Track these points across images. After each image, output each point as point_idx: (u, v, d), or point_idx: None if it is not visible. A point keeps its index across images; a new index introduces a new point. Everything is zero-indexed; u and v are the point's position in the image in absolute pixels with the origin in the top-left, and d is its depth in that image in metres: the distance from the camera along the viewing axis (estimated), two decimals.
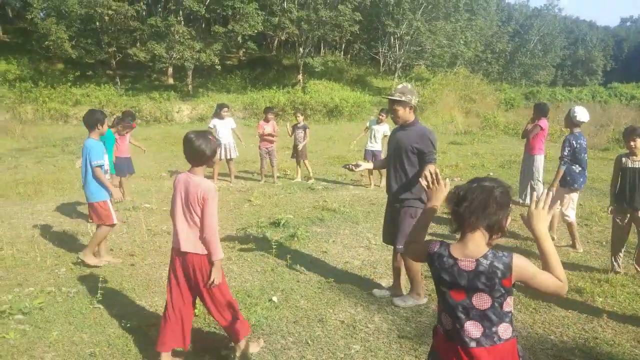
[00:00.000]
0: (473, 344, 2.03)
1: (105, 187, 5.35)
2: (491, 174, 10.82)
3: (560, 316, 4.36)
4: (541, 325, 4.20)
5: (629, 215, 5.14)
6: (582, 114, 5.93)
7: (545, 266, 2.02)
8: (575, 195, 6.09)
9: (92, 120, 5.29)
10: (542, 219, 2.03)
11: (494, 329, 2.02)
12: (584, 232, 6.76)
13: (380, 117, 9.74)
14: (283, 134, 11.29)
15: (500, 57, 48.54)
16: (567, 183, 5.97)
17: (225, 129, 9.87)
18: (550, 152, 13.18)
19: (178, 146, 15.74)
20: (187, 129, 20.37)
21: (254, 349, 3.69)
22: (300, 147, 10.06)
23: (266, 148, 10.08)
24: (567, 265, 5.56)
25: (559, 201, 5.89)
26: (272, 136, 10.02)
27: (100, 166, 5.29)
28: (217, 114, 10.09)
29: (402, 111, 4.35)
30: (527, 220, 2.05)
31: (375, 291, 4.80)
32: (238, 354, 3.57)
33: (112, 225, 5.54)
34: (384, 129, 9.58)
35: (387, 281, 5.11)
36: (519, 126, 18.22)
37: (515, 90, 42.69)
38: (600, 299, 4.65)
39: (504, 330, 2.05)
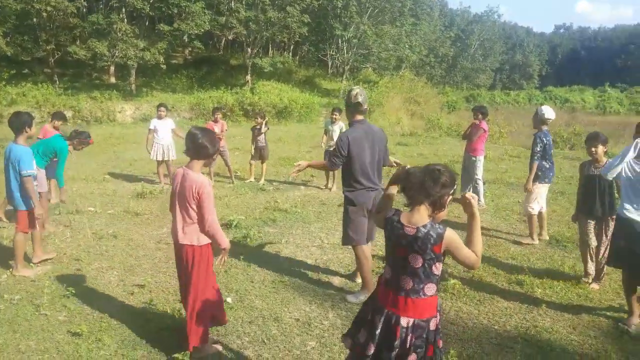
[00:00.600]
0: (402, 294, 2.47)
1: (30, 199, 5.06)
2: None
3: (503, 307, 4.60)
4: (485, 316, 4.42)
5: (592, 221, 5.02)
6: (549, 112, 6.33)
7: (469, 242, 2.43)
8: (544, 189, 6.40)
9: (19, 122, 4.99)
10: (474, 204, 2.44)
11: (421, 286, 2.44)
12: (522, 228, 7.12)
13: (334, 116, 9.84)
14: (241, 134, 11.19)
15: (443, 61, 50.13)
16: (538, 178, 6.28)
17: (164, 129, 9.69)
18: (490, 153, 13.80)
19: (121, 146, 15.35)
20: (130, 129, 19.94)
21: (214, 351, 3.69)
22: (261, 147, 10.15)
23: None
24: (509, 259, 5.88)
25: (540, 199, 6.32)
26: (220, 139, 9.92)
27: (31, 175, 4.99)
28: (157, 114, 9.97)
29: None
30: (464, 203, 2.44)
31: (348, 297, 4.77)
32: (200, 355, 3.56)
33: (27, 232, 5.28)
34: (340, 126, 9.69)
35: (339, 279, 5.21)
36: (461, 128, 18.89)
37: (457, 93, 44.36)
38: (540, 290, 4.95)
39: (429, 288, 2.46)
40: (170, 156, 9.78)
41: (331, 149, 9.48)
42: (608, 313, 4.50)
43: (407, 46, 34.25)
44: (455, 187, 2.47)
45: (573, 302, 4.74)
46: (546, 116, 6.26)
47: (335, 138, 9.58)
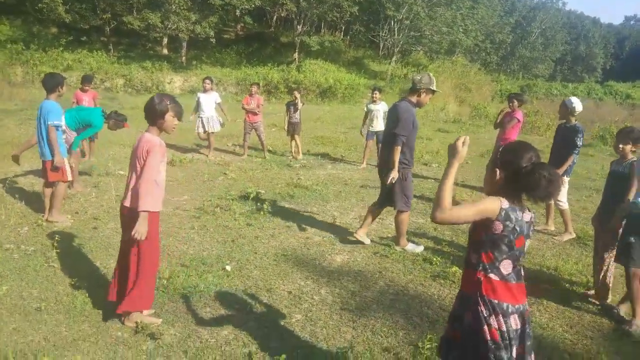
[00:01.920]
0: (522, 281, 2.38)
1: (52, 149, 5.40)
2: (469, 162, 10.91)
3: None
4: None
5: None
6: (579, 104, 6.16)
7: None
8: (566, 182, 6.24)
9: (53, 83, 5.42)
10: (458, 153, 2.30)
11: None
12: (542, 220, 6.86)
13: (374, 95, 9.79)
14: (282, 111, 11.27)
15: (500, 48, 48.32)
16: (566, 172, 6.10)
17: (208, 102, 9.89)
18: (534, 144, 13.28)
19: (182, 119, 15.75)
20: (177, 99, 20.46)
21: (149, 321, 3.63)
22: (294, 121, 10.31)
23: (251, 123, 10.10)
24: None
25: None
26: (255, 113, 10.06)
27: (57, 127, 5.39)
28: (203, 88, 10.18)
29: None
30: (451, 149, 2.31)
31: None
32: (132, 324, 3.58)
33: (67, 181, 5.72)
34: (383, 107, 9.67)
35: (342, 257, 5.22)
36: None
37: (512, 82, 42.70)
38: (545, 286, 4.78)
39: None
40: (212, 128, 9.99)
41: (376, 129, 9.50)
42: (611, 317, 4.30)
43: (461, 30, 33.17)
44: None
45: (577, 300, 4.55)
46: (577, 109, 6.04)
47: (379, 118, 9.52)
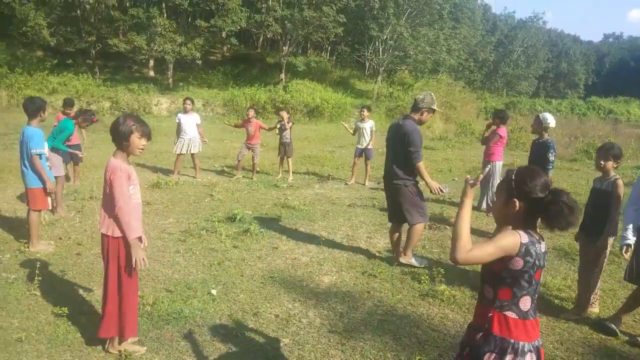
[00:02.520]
0: (537, 315, 2.28)
1: (40, 177, 5.35)
2: (456, 179, 10.97)
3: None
4: None
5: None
6: (552, 120, 6.31)
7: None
8: None
9: (33, 108, 5.31)
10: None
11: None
12: None
13: (362, 113, 9.93)
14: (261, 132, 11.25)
15: (483, 66, 49.15)
16: None
17: (189, 123, 9.85)
18: (519, 161, 13.43)
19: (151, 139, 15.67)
20: (164, 122, 20.35)
21: (132, 349, 3.54)
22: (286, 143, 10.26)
23: (249, 144, 10.15)
24: None
25: None
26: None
27: (40, 155, 5.30)
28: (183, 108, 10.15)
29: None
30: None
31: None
32: (115, 351, 3.51)
33: (40, 210, 5.61)
34: (370, 124, 9.91)
35: (330, 278, 5.17)
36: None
37: (497, 99, 43.32)
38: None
39: None
40: (194, 149, 9.94)
41: (364, 146, 9.62)
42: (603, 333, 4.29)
43: (444, 49, 33.69)
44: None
45: (568, 316, 4.53)
46: (550, 124, 6.25)
47: (366, 136, 9.70)
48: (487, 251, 2.11)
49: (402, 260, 5.52)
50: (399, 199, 5.40)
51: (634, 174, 12.09)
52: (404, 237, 5.66)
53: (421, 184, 5.53)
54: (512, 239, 2.13)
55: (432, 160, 13.95)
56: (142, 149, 3.41)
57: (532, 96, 55.14)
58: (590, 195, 4.64)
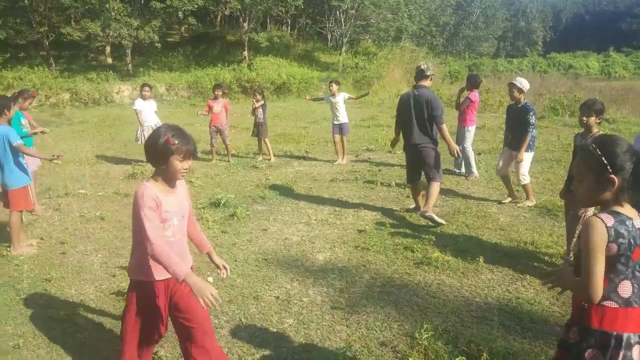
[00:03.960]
0: None
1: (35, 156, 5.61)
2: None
3: (487, 279, 4.56)
4: (468, 289, 4.38)
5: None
6: (526, 83, 6.49)
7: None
8: (530, 157, 6.58)
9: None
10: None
11: None
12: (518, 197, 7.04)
13: (331, 87, 9.71)
14: (238, 112, 11.06)
15: (444, 30, 49.28)
16: (529, 147, 6.43)
17: (149, 110, 9.56)
18: (489, 122, 13.63)
19: (116, 128, 15.26)
20: (127, 110, 19.79)
21: None
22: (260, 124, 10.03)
23: (215, 126, 9.89)
24: (497, 229, 5.81)
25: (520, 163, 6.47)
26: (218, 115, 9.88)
27: (21, 143, 5.17)
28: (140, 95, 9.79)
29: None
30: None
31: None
32: None
33: (21, 211, 5.43)
34: (342, 97, 9.65)
35: (324, 255, 5.18)
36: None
37: (459, 62, 43.62)
38: (525, 261, 4.89)
39: None
40: None
41: (340, 122, 9.45)
42: None
43: (406, 15, 33.59)
44: None
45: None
46: (526, 88, 6.40)
47: (341, 109, 9.47)
48: (600, 269, 1.90)
49: (428, 213, 5.88)
50: (427, 159, 6.00)
51: (603, 128, 12.40)
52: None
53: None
54: (595, 232, 1.91)
55: None
56: (185, 173, 2.67)
57: (493, 57, 55.81)
58: (574, 153, 4.72)
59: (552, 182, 7.88)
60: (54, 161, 5.59)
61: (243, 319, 3.90)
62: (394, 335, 3.65)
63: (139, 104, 9.59)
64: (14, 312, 4.06)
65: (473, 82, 8.13)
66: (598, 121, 4.60)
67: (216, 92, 9.98)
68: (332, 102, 9.63)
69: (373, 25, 32.27)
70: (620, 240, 1.92)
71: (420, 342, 3.42)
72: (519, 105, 6.40)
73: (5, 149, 5.09)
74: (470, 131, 8.11)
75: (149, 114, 9.51)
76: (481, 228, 5.90)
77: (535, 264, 4.87)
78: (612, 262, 1.95)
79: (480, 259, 4.93)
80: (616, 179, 1.94)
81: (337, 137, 9.69)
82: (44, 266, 4.96)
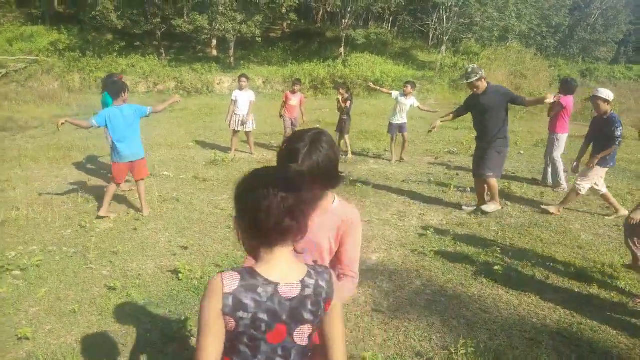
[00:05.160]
0: None
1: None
2: (521, 152, 10.40)
3: (550, 299, 4.18)
4: (526, 307, 4.05)
5: None
6: (611, 94, 6.00)
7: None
8: (603, 173, 6.18)
9: (116, 89, 5.94)
10: None
11: None
12: (601, 217, 6.39)
13: (406, 89, 9.54)
14: (328, 107, 11.19)
15: (557, 31, 45.95)
16: (606, 162, 6.02)
17: (243, 100, 9.90)
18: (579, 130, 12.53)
19: (212, 117, 16.03)
20: (225, 100, 20.62)
21: None
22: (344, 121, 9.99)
23: (290, 118, 10.10)
24: (575, 247, 5.32)
25: (600, 181, 6.16)
26: (294, 108, 10.05)
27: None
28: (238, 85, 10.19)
29: (481, 84, 6.14)
30: None
31: (464, 207, 6.62)
32: None
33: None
34: (412, 101, 9.47)
35: (378, 255, 5.05)
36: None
37: (572, 67, 40.63)
38: (599, 285, 4.42)
39: None
40: (248, 127, 10.02)
41: (399, 122, 9.27)
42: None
43: (514, 15, 31.79)
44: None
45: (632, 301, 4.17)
46: (611, 98, 5.91)
47: (404, 111, 9.35)
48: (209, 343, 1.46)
49: (493, 206, 6.31)
50: (495, 155, 6.18)
51: None
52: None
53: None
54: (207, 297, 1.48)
55: None
56: None
57: (611, 62, 51.16)
58: None
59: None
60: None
61: None
62: (432, 347, 3.47)
63: (236, 93, 10.01)
64: (79, 279, 4.40)
65: (567, 87, 7.50)
66: None
67: (295, 87, 10.21)
68: (401, 102, 9.41)
69: (477, 24, 30.93)
70: (240, 313, 1.44)
71: (455, 358, 3.21)
72: (605, 117, 5.92)
73: (133, 124, 5.88)
74: (561, 139, 7.48)
75: (242, 103, 9.89)
76: (557, 244, 5.43)
77: (609, 289, 4.37)
78: (231, 340, 1.50)
79: (548, 277, 4.55)
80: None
81: (395, 136, 9.61)
82: (115, 240, 5.33)
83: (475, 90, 6.20)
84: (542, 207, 6.50)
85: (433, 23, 31.72)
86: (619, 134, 5.77)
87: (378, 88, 10.62)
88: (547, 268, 4.79)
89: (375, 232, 5.70)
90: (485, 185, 6.35)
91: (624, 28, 52.81)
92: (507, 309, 4.02)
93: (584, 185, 6.08)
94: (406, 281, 4.47)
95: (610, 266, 4.78)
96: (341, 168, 6.81)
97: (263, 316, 1.45)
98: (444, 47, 31.29)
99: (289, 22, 31.71)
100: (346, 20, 28.33)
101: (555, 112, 7.40)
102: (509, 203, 6.85)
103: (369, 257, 5.02)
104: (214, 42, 27.19)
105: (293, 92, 10.22)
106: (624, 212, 6.04)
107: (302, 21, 33.18)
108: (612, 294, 4.28)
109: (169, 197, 6.98)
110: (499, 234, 5.73)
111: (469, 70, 6.16)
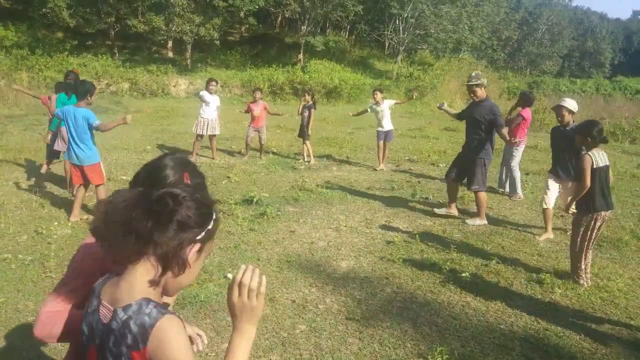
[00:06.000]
0: None
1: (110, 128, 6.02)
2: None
3: (515, 305, 4.31)
4: (494, 314, 4.15)
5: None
6: (575, 105, 5.95)
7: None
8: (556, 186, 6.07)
9: (83, 90, 5.69)
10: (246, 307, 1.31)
11: None
12: (559, 224, 6.67)
13: (375, 96, 9.67)
14: (288, 112, 11.12)
15: (506, 44, 47.88)
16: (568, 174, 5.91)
17: (212, 104, 9.76)
18: (542, 142, 13.08)
19: (169, 119, 15.69)
20: (182, 103, 20.35)
21: None
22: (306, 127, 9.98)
23: (254, 128, 10.04)
24: (534, 255, 5.51)
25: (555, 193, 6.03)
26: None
27: (97, 126, 5.74)
28: (207, 88, 10.01)
29: (479, 91, 6.33)
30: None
31: (435, 210, 6.78)
32: None
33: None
34: (387, 104, 9.60)
35: (347, 263, 5.06)
36: None
37: (520, 79, 42.32)
38: (560, 291, 4.59)
39: None
40: (216, 131, 9.88)
41: (385, 129, 9.37)
42: (632, 322, 4.11)
43: (467, 27, 32.86)
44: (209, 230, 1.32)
45: (595, 306, 4.36)
46: (576, 109, 5.89)
47: (386, 117, 9.41)
48: None
49: (478, 221, 6.45)
50: (479, 169, 6.37)
51: None
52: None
53: None
54: None
55: (454, 142, 13.64)
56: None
57: (556, 75, 53.70)
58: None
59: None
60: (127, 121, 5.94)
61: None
62: (406, 355, 3.50)
63: (207, 96, 9.79)
64: (39, 289, 4.18)
65: (526, 100, 7.79)
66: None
67: (255, 95, 10.17)
68: (377, 111, 9.55)
69: (432, 36, 31.75)
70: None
71: None
72: (567, 129, 5.84)
73: (85, 129, 5.67)
74: (519, 149, 7.76)
75: (212, 107, 9.73)
76: (517, 252, 5.61)
77: (570, 294, 4.56)
78: None
79: (512, 284, 4.70)
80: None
81: (382, 143, 9.63)
82: (75, 247, 5.08)
83: (472, 96, 6.45)
84: (539, 239, 6.02)
85: (389, 33, 32.31)
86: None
87: (355, 115, 10.63)
88: (511, 275, 4.94)
89: (344, 239, 5.71)
90: (475, 198, 6.58)
91: (568, 43, 55.61)
92: (475, 316, 4.11)
93: (547, 200, 5.94)
94: (377, 289, 4.49)
95: (568, 273, 4.97)
96: (303, 174, 6.85)
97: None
98: (400, 57, 31.90)
99: (248, 26, 31.53)
100: (305, 27, 28.44)
101: (516, 123, 7.67)
102: (470, 211, 7.03)
103: (338, 264, 5.02)
104: (170, 43, 26.64)
105: (254, 101, 10.16)
106: (551, 235, 6.06)
107: (261, 26, 33.04)
108: (573, 301, 4.45)
109: None
110: (463, 241, 5.86)
111: (472, 75, 6.49)
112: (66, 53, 21.92)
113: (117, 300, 1.25)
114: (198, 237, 1.27)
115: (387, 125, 9.52)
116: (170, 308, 1.32)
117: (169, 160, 1.81)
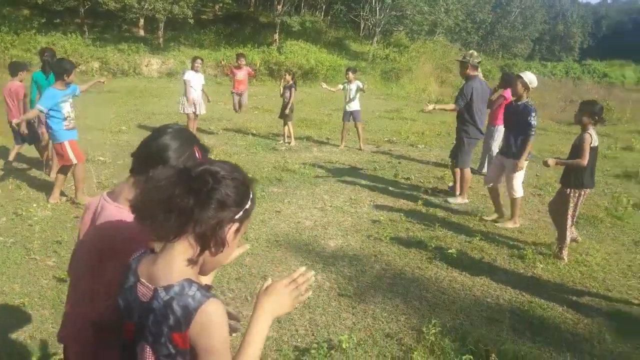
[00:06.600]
0: None
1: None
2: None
3: (500, 280, 4.43)
4: (480, 288, 4.26)
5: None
6: (535, 79, 5.65)
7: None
8: (525, 165, 5.73)
9: (60, 70, 5.50)
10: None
11: None
12: (536, 202, 6.85)
13: (347, 76, 9.70)
14: (264, 94, 11.05)
15: (480, 27, 48.31)
16: (529, 154, 5.74)
17: (197, 83, 9.59)
18: None
19: (143, 99, 15.37)
20: (154, 83, 19.92)
21: None
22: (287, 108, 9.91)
23: (237, 90, 10.25)
24: (515, 232, 5.66)
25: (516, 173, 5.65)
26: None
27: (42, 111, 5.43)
28: (192, 67, 9.83)
29: (462, 68, 6.50)
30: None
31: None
32: None
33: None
34: (355, 85, 9.59)
35: (335, 242, 5.11)
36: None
37: (492, 62, 42.82)
38: (541, 266, 4.74)
39: None
40: (201, 111, 9.76)
41: (350, 109, 9.40)
42: (610, 294, 4.28)
43: (442, 9, 32.98)
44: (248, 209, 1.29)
45: (575, 280, 4.53)
46: (533, 84, 5.56)
47: (351, 96, 9.43)
48: None
49: (459, 199, 6.65)
50: (462, 146, 6.54)
51: (634, 138, 12.01)
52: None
53: None
54: None
55: (431, 123, 13.80)
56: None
57: (527, 59, 54.60)
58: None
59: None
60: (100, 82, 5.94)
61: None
62: (400, 328, 3.58)
63: (189, 74, 9.60)
64: (23, 271, 4.09)
65: (507, 81, 7.86)
66: (591, 121, 4.73)
67: (240, 61, 10.38)
68: (346, 89, 9.58)
69: (408, 17, 31.76)
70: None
71: (427, 337, 3.33)
72: (519, 104, 5.56)
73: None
74: (499, 131, 7.85)
75: (196, 86, 9.55)
76: (499, 228, 5.75)
77: (551, 268, 4.71)
78: None
79: (496, 259, 4.83)
80: None
81: (347, 123, 9.71)
82: (57, 229, 4.99)
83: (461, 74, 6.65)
84: (498, 225, 5.82)
85: (365, 14, 32.16)
86: (534, 122, 5.42)
87: (329, 89, 10.53)
88: (494, 251, 5.07)
89: (330, 219, 5.74)
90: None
91: (540, 27, 56.39)
92: (462, 290, 4.22)
93: (517, 189, 5.70)
94: (366, 266, 4.56)
95: (549, 247, 5.13)
96: (284, 155, 6.85)
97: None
98: (375, 39, 31.84)
99: (222, 4, 30.94)
100: (280, 6, 28.05)
101: (497, 104, 7.75)
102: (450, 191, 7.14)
103: (327, 243, 5.06)
104: (142, 21, 25.92)
105: (238, 67, 10.23)
106: (518, 224, 5.83)
107: (235, 5, 32.43)
108: (554, 275, 4.61)
109: (109, 183, 6.64)
110: (446, 219, 5.97)
111: (468, 52, 6.79)
112: (33, 31, 21.15)
113: (156, 279, 1.24)
114: (236, 217, 1.27)
115: (354, 105, 9.56)
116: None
117: (175, 133, 1.76)
